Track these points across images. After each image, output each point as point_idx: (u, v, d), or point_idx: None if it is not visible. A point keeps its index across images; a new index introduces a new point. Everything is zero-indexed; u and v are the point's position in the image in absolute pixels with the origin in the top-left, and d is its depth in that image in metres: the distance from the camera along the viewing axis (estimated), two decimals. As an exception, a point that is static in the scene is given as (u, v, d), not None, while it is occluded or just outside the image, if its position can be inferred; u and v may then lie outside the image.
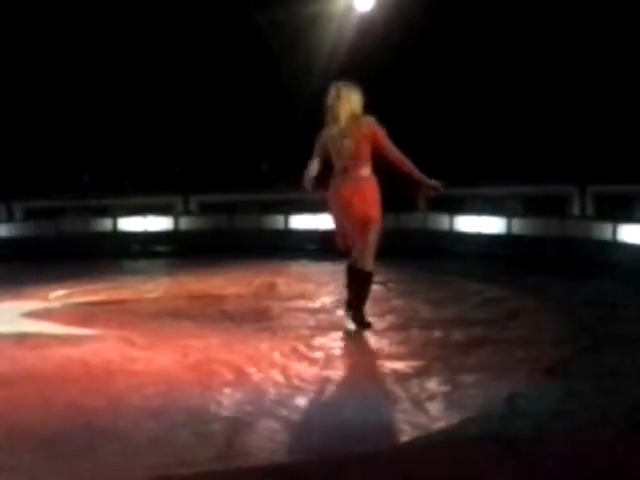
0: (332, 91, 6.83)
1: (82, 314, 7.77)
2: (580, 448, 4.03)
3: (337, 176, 6.81)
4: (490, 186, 12.54)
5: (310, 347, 6.21)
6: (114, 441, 4.32)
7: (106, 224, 13.32)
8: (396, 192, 12.42)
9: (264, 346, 6.32)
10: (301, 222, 12.67)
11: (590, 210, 11.80)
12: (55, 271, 10.59)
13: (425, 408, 4.69)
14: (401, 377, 5.31)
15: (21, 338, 6.74)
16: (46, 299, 8.64)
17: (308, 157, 6.84)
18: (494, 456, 3.96)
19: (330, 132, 6.81)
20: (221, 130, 14.50)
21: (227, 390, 5.15)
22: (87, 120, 14.58)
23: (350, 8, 12.41)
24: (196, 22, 14.22)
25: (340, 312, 7.53)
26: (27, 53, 14.19)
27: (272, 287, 8.96)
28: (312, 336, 6.57)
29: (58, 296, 8.80)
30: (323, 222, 12.38)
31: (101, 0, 14.16)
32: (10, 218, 13.21)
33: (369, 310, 6.98)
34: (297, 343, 6.33)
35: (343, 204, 6.77)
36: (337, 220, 6.91)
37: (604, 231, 10.41)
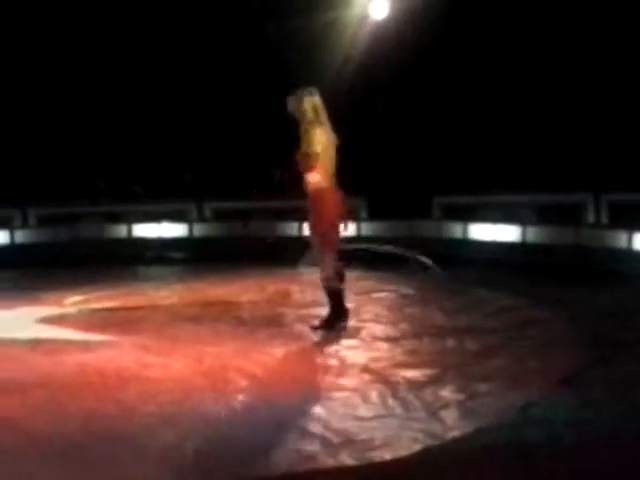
0: (316, 97, 7.00)
1: (97, 320, 7.80)
2: (595, 458, 4.01)
3: (329, 182, 6.97)
4: (504, 194, 12.52)
5: (324, 354, 6.23)
6: (129, 448, 4.33)
7: (121, 230, 13.36)
8: (410, 199, 12.52)
9: (278, 353, 6.33)
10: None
11: (604, 218, 11.77)
12: (70, 277, 10.62)
13: (439, 417, 4.69)
14: (415, 385, 5.31)
15: (36, 344, 6.76)
16: (61, 305, 8.66)
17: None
18: (509, 465, 3.95)
19: (327, 137, 6.98)
20: (235, 137, 14.53)
21: (241, 397, 5.17)
22: (102, 126, 14.64)
23: (365, 16, 12.43)
24: (210, 30, 14.27)
25: (353, 319, 7.54)
26: (41, 61, 14.26)
27: (286, 294, 8.96)
28: (326, 343, 6.58)
29: (73, 302, 8.83)
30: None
31: (117, 9, 14.21)
32: (25, 224, 13.26)
33: (383, 318, 6.99)
34: (311, 350, 6.35)
35: (340, 211, 7.00)
36: (336, 226, 7.02)
37: (618, 240, 10.38)
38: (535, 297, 8.52)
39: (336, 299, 7.05)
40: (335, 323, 7.05)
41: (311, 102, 6.99)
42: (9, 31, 14.05)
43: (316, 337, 6.83)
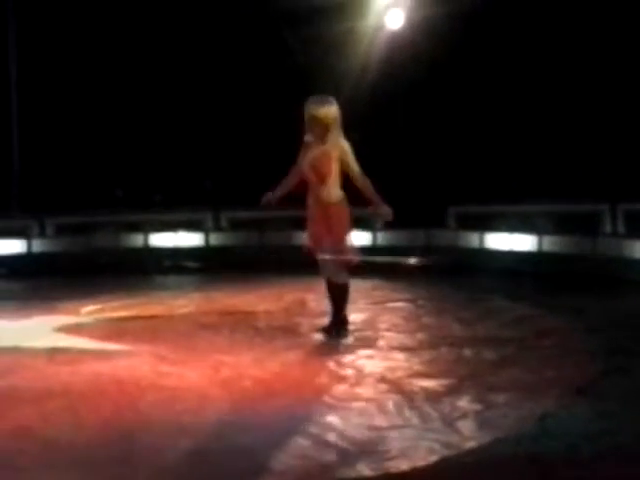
0: (333, 106, 6.95)
1: (114, 329, 7.82)
2: (612, 469, 4.00)
3: (342, 190, 7.09)
4: (520, 203, 12.49)
5: (340, 364, 6.22)
6: (147, 457, 4.35)
7: (137, 240, 13.40)
8: (426, 208, 12.50)
9: (294, 363, 6.34)
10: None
11: (621, 228, 11.72)
12: (87, 286, 10.66)
13: (456, 427, 4.68)
14: (432, 395, 5.30)
15: (53, 353, 6.79)
16: (78, 314, 8.69)
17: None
18: (526, 476, 3.94)
19: (307, 145, 7.07)
20: (252, 147, 14.57)
21: (258, 407, 5.17)
22: (120, 135, 14.70)
23: (381, 26, 12.45)
24: (228, 39, 14.33)
25: (369, 329, 7.56)
26: (59, 69, 14.34)
27: (302, 303, 8.96)
28: (342, 353, 6.59)
29: (90, 311, 8.86)
30: (357, 239, 12.44)
31: (134, 18, 14.28)
32: (42, 233, 13.31)
33: (400, 328, 7.00)
34: (327, 360, 6.35)
35: (317, 220, 7.14)
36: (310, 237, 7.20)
37: (635, 249, 10.33)
38: (551, 307, 8.50)
39: (341, 300, 7.10)
40: (338, 328, 7.13)
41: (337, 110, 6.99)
42: (29, 42, 14.15)
43: (333, 347, 6.83)
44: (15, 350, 6.93)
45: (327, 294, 7.31)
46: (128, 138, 14.67)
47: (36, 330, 7.85)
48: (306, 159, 7.02)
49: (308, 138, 7.04)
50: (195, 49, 14.33)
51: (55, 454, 4.43)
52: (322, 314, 7.88)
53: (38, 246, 13.05)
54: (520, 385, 5.52)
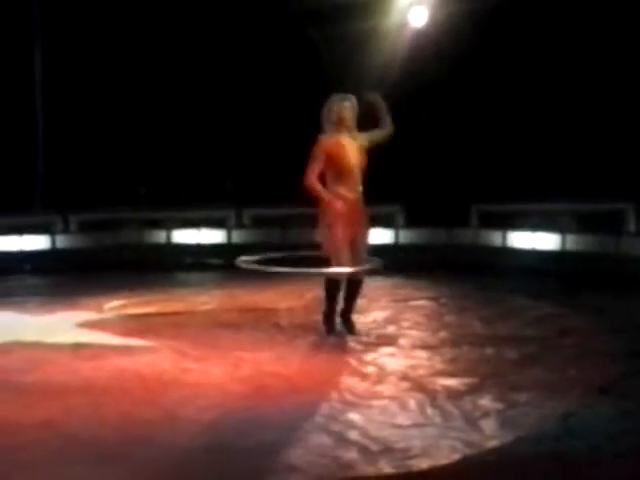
0: (347, 102, 7.09)
1: (136, 325, 7.86)
2: (634, 468, 3.98)
3: (347, 186, 7.02)
4: (543, 202, 12.44)
5: (362, 362, 6.23)
6: (169, 453, 4.36)
7: (160, 236, 13.46)
8: (448, 207, 12.48)
9: (316, 360, 6.35)
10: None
11: (645, 227, 11.63)
12: (110, 282, 10.72)
13: (478, 426, 4.67)
14: (453, 394, 5.29)
15: (76, 348, 6.83)
16: (101, 310, 8.74)
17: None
18: (548, 475, 3.93)
19: (341, 141, 7.03)
20: (275, 144, 14.58)
21: (279, 404, 5.18)
22: (144, 132, 14.75)
23: (404, 23, 12.41)
24: (251, 38, 14.35)
25: (392, 327, 7.55)
26: (83, 66, 14.41)
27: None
28: (364, 351, 6.59)
29: (113, 307, 8.90)
30: (376, 236, 12.41)
31: (157, 15, 14.33)
32: (66, 230, 13.39)
33: (422, 326, 6.99)
34: (349, 357, 6.36)
35: (357, 216, 7.09)
36: (347, 231, 7.01)
37: (660, 249, 10.28)
38: (574, 306, 8.47)
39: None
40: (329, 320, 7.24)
41: None
42: (53, 41, 14.24)
43: (354, 344, 6.84)
44: (39, 345, 6.98)
45: (351, 293, 7.31)
46: (151, 136, 14.73)
47: (59, 325, 7.91)
48: (349, 152, 7.03)
49: (331, 133, 7.05)
50: (220, 47, 14.36)
51: (77, 448, 4.46)
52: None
53: (61, 242, 13.14)
54: (542, 384, 5.50)
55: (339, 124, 7.06)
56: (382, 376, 5.82)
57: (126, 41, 14.36)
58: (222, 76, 14.45)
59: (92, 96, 14.46)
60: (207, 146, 14.78)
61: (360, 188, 7.10)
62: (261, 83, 14.36)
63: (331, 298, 7.20)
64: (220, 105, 14.61)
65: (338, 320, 7.33)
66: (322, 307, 7.35)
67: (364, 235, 7.23)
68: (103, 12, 14.14)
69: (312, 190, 6.99)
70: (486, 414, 4.87)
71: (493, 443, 4.43)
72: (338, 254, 6.96)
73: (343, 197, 6.99)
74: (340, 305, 7.34)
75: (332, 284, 7.16)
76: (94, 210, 13.69)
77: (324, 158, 6.98)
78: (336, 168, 7.01)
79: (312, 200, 7.12)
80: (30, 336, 7.32)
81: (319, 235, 7.17)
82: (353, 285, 7.27)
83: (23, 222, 13.23)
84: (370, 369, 6.02)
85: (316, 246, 7.29)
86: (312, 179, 6.97)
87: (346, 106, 7.07)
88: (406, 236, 12.70)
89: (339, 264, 6.95)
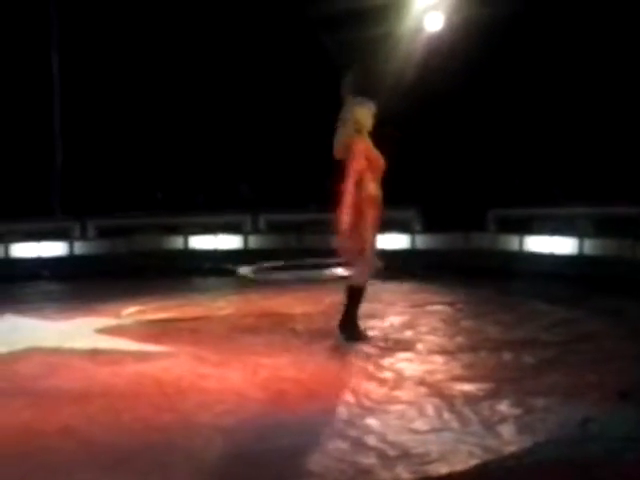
0: (370, 106, 7.14)
1: (154, 331, 7.88)
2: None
3: (372, 186, 7.01)
4: (561, 206, 12.40)
5: (379, 367, 6.22)
6: (186, 459, 4.37)
7: (177, 242, 13.51)
8: (465, 211, 12.45)
9: (333, 365, 6.35)
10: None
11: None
12: (127, 288, 10.75)
13: (496, 431, 4.66)
14: (471, 399, 5.28)
15: (94, 354, 6.86)
16: (119, 316, 8.77)
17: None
18: (567, 481, 3.92)
19: (370, 143, 7.09)
20: (290, 150, 14.61)
21: (297, 409, 5.18)
22: (161, 138, 14.81)
23: (420, 28, 12.41)
24: (267, 43, 14.38)
25: (408, 332, 7.54)
26: (100, 73, 14.49)
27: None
28: (381, 356, 6.58)
29: (130, 313, 8.94)
30: (389, 241, 12.40)
31: (172, 23, 14.40)
32: (84, 236, 13.45)
33: (439, 331, 6.98)
34: (366, 363, 6.35)
35: (378, 217, 7.08)
36: (372, 232, 7.04)
37: (678, 253, 10.22)
38: (592, 310, 8.43)
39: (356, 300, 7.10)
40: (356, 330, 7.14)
41: None
42: (71, 47, 14.33)
43: (371, 349, 6.83)
44: (57, 351, 7.02)
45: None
46: (169, 142, 14.79)
47: (78, 331, 7.94)
48: (375, 151, 7.09)
49: (361, 135, 7.09)
50: (237, 54, 14.41)
51: (95, 453, 4.48)
52: (360, 317, 7.85)
53: (80, 248, 13.20)
54: (560, 389, 5.48)
55: (362, 128, 7.09)
56: (399, 381, 5.82)
57: (144, 47, 14.44)
58: (239, 82, 14.49)
59: (110, 103, 14.54)
60: (224, 152, 14.82)
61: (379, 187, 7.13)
62: (277, 88, 14.40)
63: (356, 305, 7.13)
64: (237, 111, 14.65)
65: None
66: (340, 314, 7.25)
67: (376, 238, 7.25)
68: (121, 18, 14.21)
69: (347, 192, 6.89)
70: (504, 419, 4.85)
71: (511, 448, 4.41)
72: (366, 255, 6.98)
73: (376, 197, 7.05)
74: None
75: (360, 291, 7.11)
76: (112, 216, 13.74)
77: (364, 158, 7.01)
78: (373, 168, 7.04)
79: (331, 204, 7.08)
80: (49, 342, 7.36)
81: (341, 239, 7.06)
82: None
83: (41, 228, 13.31)
84: (387, 374, 6.01)
85: (329, 252, 7.27)
86: (352, 183, 6.91)
87: (368, 111, 7.12)
88: (423, 241, 12.68)
89: (367, 265, 6.99)
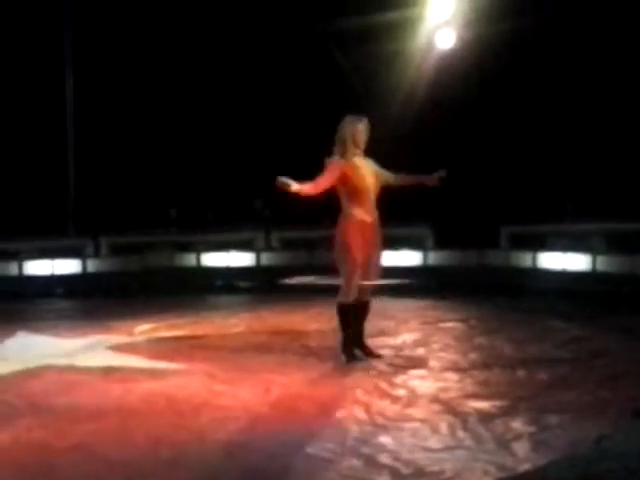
0: (361, 124, 7.03)
1: (167, 348, 7.89)
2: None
3: (363, 209, 6.93)
4: (574, 223, 12.37)
5: (392, 384, 6.20)
6: (198, 475, 4.37)
7: (190, 259, 13.53)
8: (478, 228, 12.44)
9: (346, 383, 6.34)
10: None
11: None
12: (140, 306, 10.78)
13: (511, 449, 4.63)
14: (485, 417, 5.26)
15: (107, 371, 6.86)
16: (132, 333, 8.79)
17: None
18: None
19: (356, 162, 6.97)
20: (303, 167, 14.63)
21: (310, 427, 5.17)
22: (174, 157, 14.86)
23: (431, 45, 12.44)
24: (279, 60, 14.44)
25: (421, 349, 7.53)
26: (111, 91, 14.56)
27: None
28: (394, 373, 6.57)
29: (143, 330, 8.95)
30: (402, 258, 12.39)
31: (182, 42, 14.47)
32: (97, 253, 13.50)
33: (452, 348, 6.96)
34: (379, 380, 6.33)
35: (373, 239, 6.99)
36: (362, 254, 6.91)
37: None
38: (606, 327, 8.40)
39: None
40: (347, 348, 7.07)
41: None
42: (84, 67, 14.43)
43: (384, 367, 6.81)
44: (70, 368, 7.02)
45: (362, 316, 7.22)
46: (182, 160, 14.84)
47: (91, 349, 7.96)
48: (364, 174, 6.98)
49: (345, 156, 6.99)
50: (248, 70, 14.47)
51: (108, 470, 4.48)
52: (372, 334, 7.85)
53: (93, 266, 13.24)
54: (574, 406, 5.45)
55: (354, 146, 6.99)
56: (413, 399, 5.80)
57: (157, 67, 14.52)
58: (253, 100, 14.54)
59: (123, 121, 14.61)
60: (237, 169, 14.84)
61: (376, 212, 7.03)
62: (289, 105, 14.43)
63: (347, 325, 7.05)
64: (251, 128, 14.69)
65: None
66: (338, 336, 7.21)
67: (378, 257, 7.12)
68: (134, 38, 14.30)
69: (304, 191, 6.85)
70: (518, 437, 4.83)
71: (525, 466, 4.38)
72: (350, 277, 6.91)
73: (360, 220, 6.91)
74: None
75: (345, 311, 7.02)
76: (125, 233, 13.78)
77: (339, 176, 6.88)
78: (351, 189, 6.91)
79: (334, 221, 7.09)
80: (62, 359, 7.37)
81: (336, 254, 7.04)
82: (362, 309, 7.17)
83: (55, 246, 13.37)
84: (400, 391, 5.99)
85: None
86: (312, 188, 6.86)
87: (361, 128, 7.01)
88: (436, 258, 12.66)
89: (348, 286, 6.91)
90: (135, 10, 14.28)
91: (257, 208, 14.88)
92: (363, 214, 6.94)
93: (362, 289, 7.03)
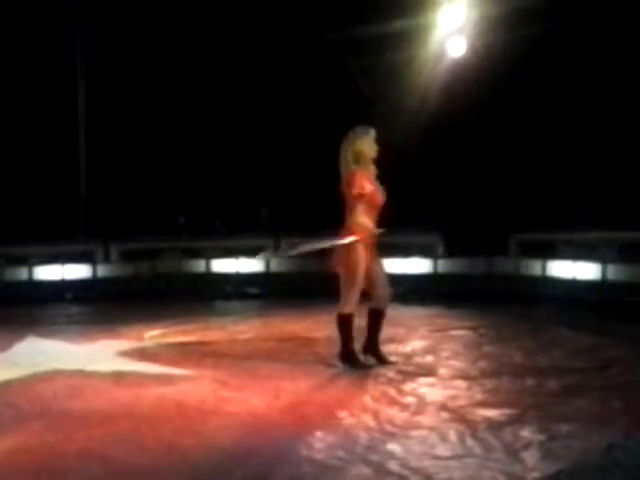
0: (370, 135, 7.01)
1: (176, 354, 7.91)
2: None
3: (373, 221, 6.98)
4: (584, 231, 12.35)
5: (401, 392, 6.19)
6: (208, 481, 4.38)
7: (199, 265, 13.55)
8: (488, 236, 12.43)
9: (355, 390, 6.33)
10: (391, 265, 12.66)
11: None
12: (150, 311, 10.80)
13: (519, 457, 4.61)
14: (494, 425, 5.24)
15: (117, 377, 6.88)
16: (141, 339, 8.81)
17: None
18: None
19: (368, 174, 6.99)
20: (310, 173, 14.65)
21: (318, 433, 5.15)
22: (184, 164, 14.91)
23: (443, 53, 12.45)
24: (290, 68, 14.47)
25: (430, 357, 7.52)
26: (122, 99, 14.62)
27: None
28: (403, 381, 6.55)
29: (153, 336, 8.97)
30: (412, 266, 12.39)
31: (195, 51, 14.52)
32: (107, 259, 13.53)
33: (461, 356, 6.93)
34: (388, 387, 6.32)
35: (374, 252, 7.03)
36: (365, 265, 6.94)
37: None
38: (616, 336, 8.36)
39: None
40: (353, 357, 7.06)
41: None
42: (95, 74, 14.49)
43: (393, 374, 6.81)
44: (80, 373, 7.05)
45: (377, 322, 7.23)
46: (191, 167, 14.89)
47: (100, 354, 7.98)
48: (377, 186, 7.01)
49: (360, 166, 7.00)
50: (259, 79, 14.51)
51: (117, 475, 4.48)
52: (382, 341, 7.80)
53: (103, 271, 13.28)
54: (585, 415, 5.43)
55: (366, 159, 7.00)
56: (421, 406, 5.78)
57: (167, 76, 14.57)
58: (261, 107, 14.58)
59: (133, 129, 14.67)
60: (245, 177, 14.89)
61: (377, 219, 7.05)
62: (299, 113, 14.46)
63: (348, 336, 7.06)
64: (259, 136, 14.73)
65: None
66: (341, 344, 7.16)
67: (380, 265, 7.14)
68: (146, 47, 14.36)
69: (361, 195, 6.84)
70: (528, 445, 4.81)
71: (535, 475, 4.37)
72: (353, 289, 6.94)
73: (366, 227, 6.93)
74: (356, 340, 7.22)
75: (346, 320, 7.03)
76: (135, 239, 13.82)
77: (360, 188, 6.88)
78: (369, 201, 6.94)
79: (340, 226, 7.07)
80: (72, 364, 7.39)
81: (337, 260, 7.06)
82: (377, 315, 7.18)
83: (65, 251, 13.41)
84: (409, 399, 5.98)
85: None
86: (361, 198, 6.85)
87: (372, 141, 7.00)
88: (446, 265, 12.65)
89: (349, 298, 6.94)
90: (148, 20, 14.35)
91: (264, 217, 14.92)
92: (370, 223, 6.97)
93: (381, 297, 7.06)
